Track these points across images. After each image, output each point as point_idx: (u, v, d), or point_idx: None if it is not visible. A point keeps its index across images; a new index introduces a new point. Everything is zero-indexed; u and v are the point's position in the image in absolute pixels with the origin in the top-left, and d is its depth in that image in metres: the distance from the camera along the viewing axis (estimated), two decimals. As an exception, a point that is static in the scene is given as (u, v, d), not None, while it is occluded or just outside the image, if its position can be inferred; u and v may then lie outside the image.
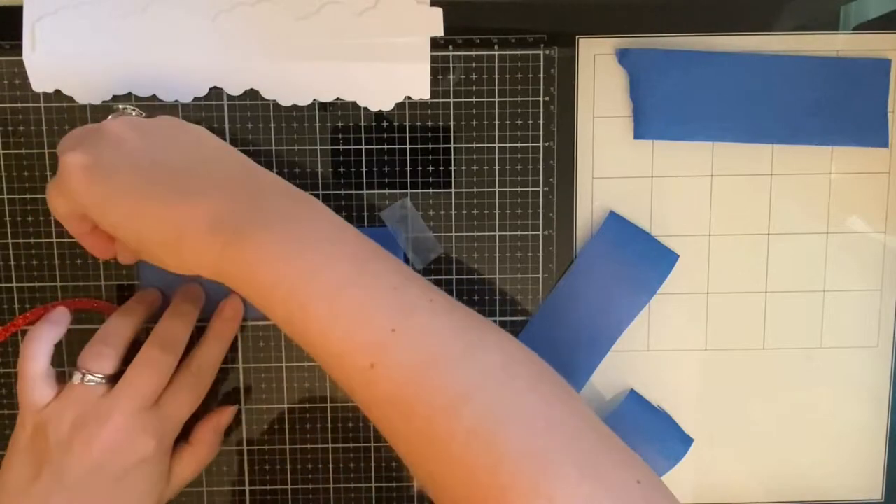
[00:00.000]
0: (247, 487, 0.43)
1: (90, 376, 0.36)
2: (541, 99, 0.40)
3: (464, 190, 0.41)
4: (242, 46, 0.39)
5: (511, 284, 0.42)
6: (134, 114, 0.36)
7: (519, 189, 0.41)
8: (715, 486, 0.43)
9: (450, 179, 0.41)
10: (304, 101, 0.40)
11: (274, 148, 0.40)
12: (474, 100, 0.40)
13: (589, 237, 0.42)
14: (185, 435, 0.39)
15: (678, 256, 0.41)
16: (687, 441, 0.42)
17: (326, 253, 0.30)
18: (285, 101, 0.40)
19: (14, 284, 0.41)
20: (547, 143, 0.41)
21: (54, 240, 0.41)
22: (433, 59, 0.39)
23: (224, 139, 0.39)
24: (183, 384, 0.37)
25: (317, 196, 0.40)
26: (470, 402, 0.28)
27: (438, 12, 0.39)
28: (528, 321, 0.42)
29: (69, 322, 0.39)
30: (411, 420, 0.28)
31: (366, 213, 0.41)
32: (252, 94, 0.40)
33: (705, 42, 0.40)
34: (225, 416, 0.41)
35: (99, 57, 0.39)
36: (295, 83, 0.40)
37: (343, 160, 0.41)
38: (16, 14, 0.38)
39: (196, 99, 0.40)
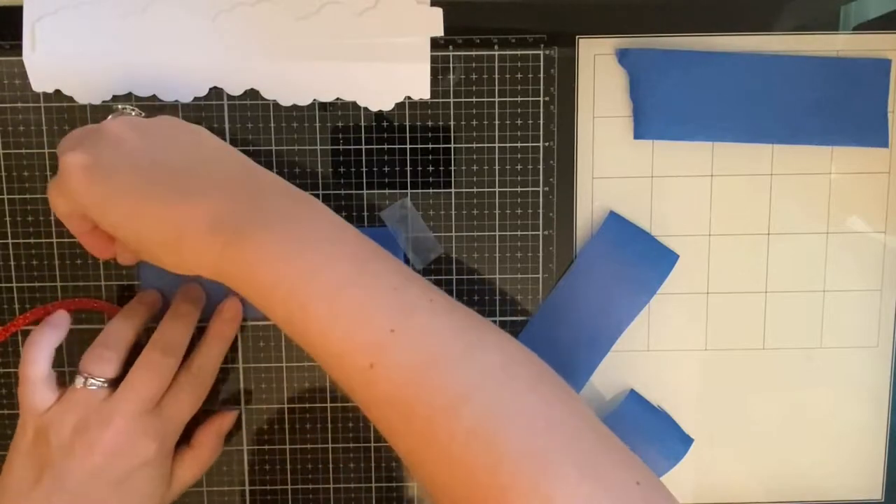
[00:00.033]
0: (247, 487, 0.43)
1: (92, 380, 0.36)
2: (541, 99, 0.40)
3: (464, 190, 0.41)
4: (242, 46, 0.39)
5: (511, 284, 0.42)
6: (133, 114, 0.36)
7: (519, 189, 0.41)
8: (715, 486, 0.43)
9: (450, 179, 0.41)
10: (304, 101, 0.40)
11: (274, 148, 0.40)
12: (474, 100, 0.40)
13: (589, 237, 0.42)
14: (186, 438, 0.39)
15: (678, 256, 0.41)
16: (687, 441, 0.42)
17: (326, 253, 0.30)
18: (285, 101, 0.40)
19: (14, 284, 0.41)
20: (547, 143, 0.41)
21: (54, 240, 0.41)
22: (433, 59, 0.39)
23: (224, 139, 0.39)
24: (184, 386, 0.37)
25: (317, 196, 0.40)
26: (469, 402, 0.28)
27: (438, 12, 0.39)
28: (528, 321, 0.42)
29: (69, 325, 0.39)
30: (411, 420, 0.28)
31: (366, 213, 0.41)
32: (252, 94, 0.40)
33: (705, 42, 0.40)
34: (227, 420, 0.41)
35: (99, 57, 0.39)
36: (295, 83, 0.40)
37: (343, 160, 0.41)
38: (16, 14, 0.38)
39: (196, 99, 0.40)
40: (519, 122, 0.41)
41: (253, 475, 0.43)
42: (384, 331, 0.29)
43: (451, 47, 0.40)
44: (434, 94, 0.40)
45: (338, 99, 0.40)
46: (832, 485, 0.44)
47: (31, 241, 0.41)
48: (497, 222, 0.41)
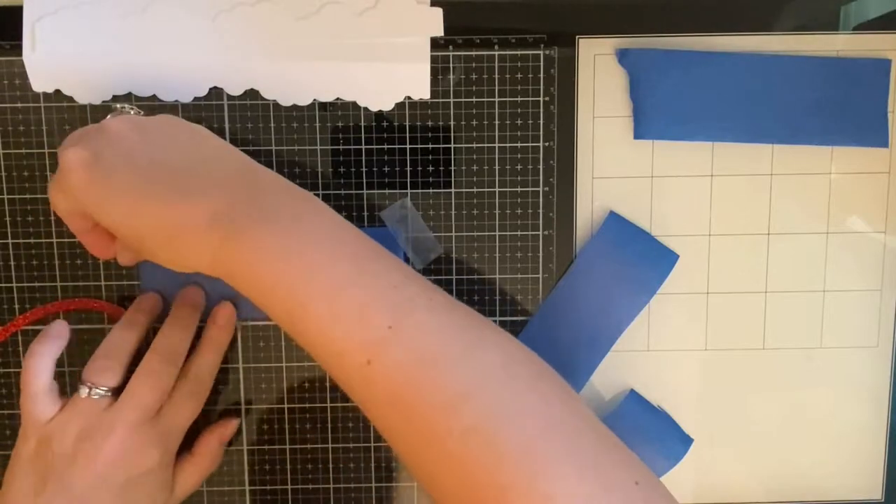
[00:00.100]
0: (247, 487, 0.43)
1: (96, 390, 0.36)
2: (541, 99, 0.40)
3: (464, 190, 0.41)
4: (242, 46, 0.39)
5: (511, 284, 0.42)
6: (133, 113, 0.36)
7: (519, 189, 0.41)
8: (715, 486, 0.43)
9: (450, 179, 0.41)
10: (304, 101, 0.40)
11: (274, 148, 0.40)
12: (474, 100, 0.40)
13: (589, 237, 0.42)
14: (187, 445, 0.39)
15: (678, 256, 0.41)
16: (687, 441, 0.42)
17: (326, 251, 0.30)
18: (285, 101, 0.40)
19: (14, 284, 0.41)
20: (547, 143, 0.41)
21: (54, 240, 0.41)
22: (433, 59, 0.39)
23: (224, 139, 0.39)
24: (182, 393, 0.37)
25: (317, 196, 0.40)
26: (469, 400, 0.28)
27: (438, 12, 0.39)
28: (528, 321, 0.42)
29: (69, 335, 0.39)
30: (410, 418, 0.28)
31: (366, 213, 0.41)
32: (252, 94, 0.40)
33: (705, 42, 0.40)
34: (228, 428, 0.41)
35: (99, 57, 0.39)
36: (295, 83, 0.40)
37: (343, 160, 0.41)
38: (16, 14, 0.38)
39: (196, 99, 0.40)
40: (519, 122, 0.41)
41: (253, 475, 0.43)
42: (382, 328, 0.29)
43: (451, 47, 0.40)
44: (434, 94, 0.40)
45: (338, 99, 0.40)
46: (832, 485, 0.44)
47: (31, 241, 0.41)
48: (497, 222, 0.41)
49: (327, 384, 0.42)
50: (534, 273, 0.42)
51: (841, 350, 0.43)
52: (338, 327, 0.29)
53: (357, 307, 0.29)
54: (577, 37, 0.40)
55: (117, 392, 0.36)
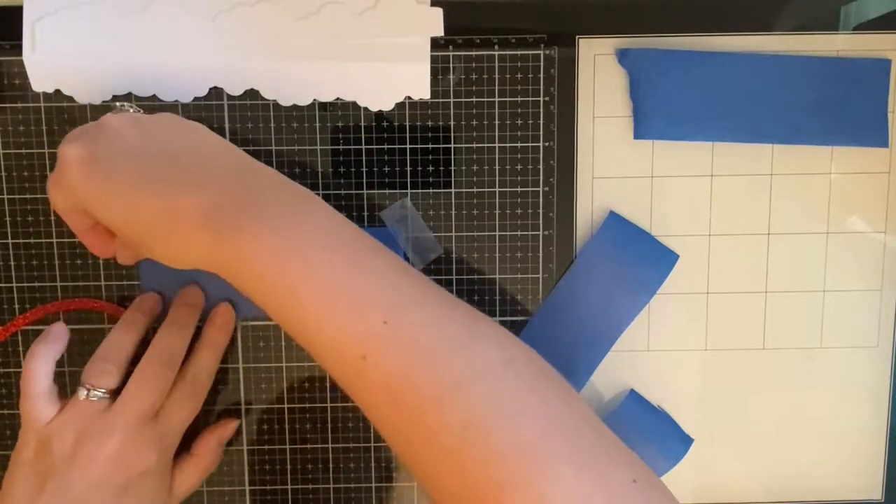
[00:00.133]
0: (247, 487, 0.43)
1: (95, 392, 0.36)
2: (541, 99, 0.40)
3: (464, 190, 0.41)
4: (242, 46, 0.39)
5: (511, 284, 0.42)
6: (133, 111, 0.36)
7: (519, 189, 0.41)
8: (715, 486, 0.43)
9: (450, 179, 0.41)
10: (304, 101, 0.40)
11: (274, 148, 0.40)
12: (474, 100, 0.40)
13: (589, 237, 0.42)
14: (187, 446, 0.39)
15: (678, 256, 0.41)
16: (687, 441, 0.42)
17: (322, 246, 0.30)
18: (285, 101, 0.40)
19: (14, 284, 0.41)
20: (547, 143, 0.41)
21: (54, 240, 0.41)
22: (433, 59, 0.39)
23: (226, 140, 0.39)
24: (181, 395, 0.38)
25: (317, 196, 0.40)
26: (462, 391, 0.27)
27: (438, 12, 0.39)
28: (528, 321, 0.42)
29: (69, 337, 0.39)
30: (404, 412, 0.28)
31: (366, 213, 0.41)
32: (252, 94, 0.40)
33: (705, 42, 0.40)
34: (228, 429, 0.41)
35: (99, 57, 0.39)
36: (295, 83, 0.40)
37: (343, 160, 0.41)
38: (16, 14, 0.38)
39: (196, 99, 0.40)
40: (519, 122, 0.41)
41: (253, 475, 0.43)
42: (377, 323, 0.29)
43: (451, 47, 0.40)
44: (434, 94, 0.40)
45: (338, 99, 0.40)
46: (832, 485, 0.44)
47: (31, 241, 0.41)
48: (497, 222, 0.41)
49: (327, 384, 0.42)
50: (534, 273, 0.42)
51: (841, 350, 0.43)
52: (333, 322, 0.29)
53: (352, 302, 0.29)
54: (577, 37, 0.40)
55: (116, 393, 0.36)
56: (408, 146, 0.41)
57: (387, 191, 0.41)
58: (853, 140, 0.41)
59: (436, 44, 0.40)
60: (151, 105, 0.40)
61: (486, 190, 0.41)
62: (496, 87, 0.40)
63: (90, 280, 0.41)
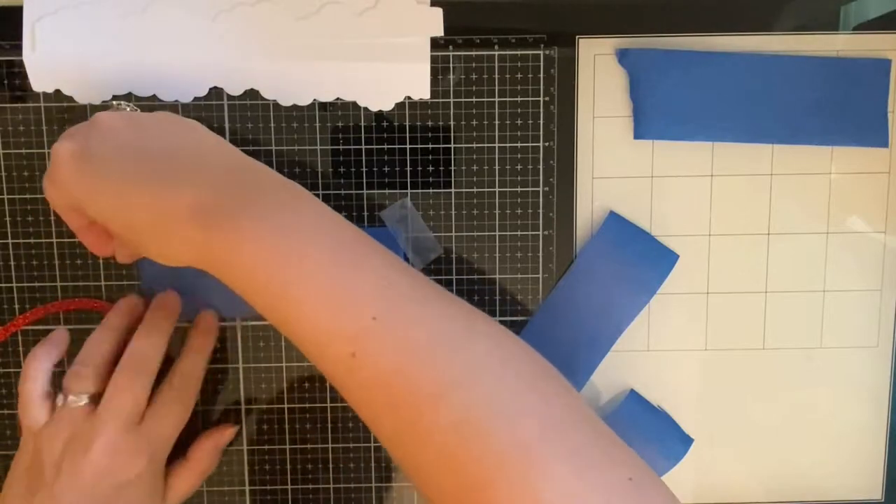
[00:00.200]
0: (247, 487, 0.43)
1: (72, 397, 0.36)
2: (541, 99, 0.40)
3: (464, 190, 0.41)
4: (242, 46, 0.39)
5: (511, 284, 0.42)
6: (129, 109, 0.36)
7: (519, 189, 0.41)
8: (715, 486, 0.43)
9: (450, 179, 0.41)
10: (304, 101, 0.40)
11: (274, 148, 0.40)
12: (474, 100, 0.40)
13: (589, 237, 0.42)
14: (183, 450, 0.39)
15: (678, 256, 0.41)
16: (687, 441, 0.42)
17: (321, 246, 0.30)
18: (285, 101, 0.40)
19: (14, 284, 0.41)
20: (547, 143, 0.41)
21: (54, 240, 0.41)
22: (433, 59, 0.39)
23: (224, 139, 0.39)
24: (166, 401, 0.37)
25: (317, 196, 0.40)
26: (463, 391, 0.27)
27: (438, 12, 0.39)
28: (528, 321, 0.42)
29: (69, 342, 0.39)
30: (396, 411, 0.28)
31: (366, 213, 0.41)
32: (252, 94, 0.40)
33: (705, 42, 0.40)
34: (226, 435, 0.41)
35: (99, 57, 0.39)
36: (295, 83, 0.40)
37: (343, 160, 0.41)
38: (16, 14, 0.38)
39: (196, 99, 0.40)
40: (519, 122, 0.41)
41: (253, 475, 0.43)
42: (366, 319, 0.28)
43: (451, 47, 0.40)
44: (434, 94, 0.40)
45: (338, 99, 0.40)
46: (832, 485, 0.44)
47: (31, 241, 0.41)
48: (497, 222, 0.41)
49: (327, 384, 0.42)
50: (534, 273, 0.42)
51: (841, 350, 0.43)
52: (321, 318, 0.29)
53: (343, 299, 0.29)
54: (577, 37, 0.40)
55: (98, 398, 0.36)
56: (408, 146, 0.41)
57: (387, 191, 0.41)
58: (853, 140, 0.41)
59: (436, 44, 0.40)
60: (151, 105, 0.40)
61: (486, 190, 0.41)
62: (496, 87, 0.40)
63: (90, 280, 0.41)
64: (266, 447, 0.42)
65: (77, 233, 0.35)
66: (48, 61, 0.39)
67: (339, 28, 0.39)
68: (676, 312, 0.42)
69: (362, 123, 0.40)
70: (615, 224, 0.41)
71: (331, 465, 0.43)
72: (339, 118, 0.40)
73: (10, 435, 0.42)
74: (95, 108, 0.40)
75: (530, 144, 0.41)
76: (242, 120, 0.40)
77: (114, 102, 0.37)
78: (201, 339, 0.39)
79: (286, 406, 0.42)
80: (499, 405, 0.27)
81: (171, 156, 0.32)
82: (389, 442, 0.29)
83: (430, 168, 0.41)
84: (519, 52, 0.40)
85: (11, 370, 0.41)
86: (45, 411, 0.36)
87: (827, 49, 0.40)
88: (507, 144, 0.41)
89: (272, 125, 0.40)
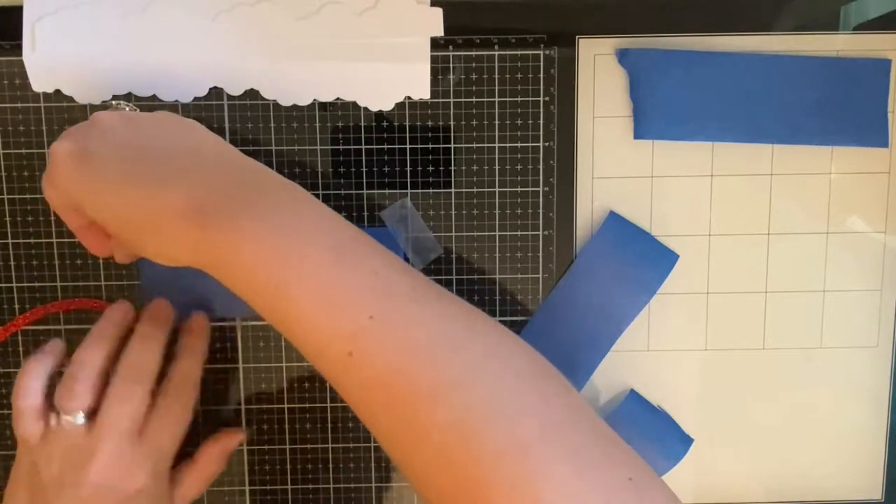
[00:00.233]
0: (247, 487, 0.43)
1: (65, 416, 0.35)
2: (541, 99, 0.40)
3: (464, 190, 0.41)
4: (242, 46, 0.39)
5: (511, 284, 0.42)
6: (128, 109, 0.36)
7: (519, 189, 0.41)
8: (715, 486, 0.43)
9: (450, 179, 0.41)
10: (304, 101, 0.40)
11: (274, 148, 0.40)
12: (474, 100, 0.40)
13: (589, 237, 0.42)
14: (189, 454, 0.39)
15: (678, 256, 0.41)
16: (687, 441, 0.42)
17: (307, 240, 0.30)
18: (285, 101, 0.40)
19: (14, 284, 0.41)
20: (547, 143, 0.41)
21: (54, 240, 0.41)
22: (433, 59, 0.39)
23: (224, 139, 0.39)
24: (163, 410, 0.37)
25: (317, 196, 0.40)
26: (463, 391, 0.27)
27: (438, 12, 0.39)
28: (528, 321, 0.42)
29: (64, 353, 0.38)
30: (394, 410, 0.28)
31: (366, 213, 0.41)
32: (252, 94, 0.40)
33: (705, 42, 0.40)
34: (233, 440, 0.40)
35: (99, 57, 0.39)
36: (295, 83, 0.40)
37: (343, 160, 0.41)
38: (16, 14, 0.38)
39: (196, 99, 0.40)
40: (519, 122, 0.41)
41: (253, 475, 0.43)
42: (363, 318, 0.28)
43: (451, 47, 0.40)
44: (434, 94, 0.40)
45: (338, 99, 0.40)
46: (832, 485, 0.44)
47: (31, 241, 0.41)
48: (497, 222, 0.41)
49: (327, 384, 0.42)
50: (534, 273, 0.42)
51: (841, 350, 0.43)
52: (318, 318, 0.29)
53: (340, 299, 0.29)
54: (577, 37, 0.40)
55: (94, 412, 0.36)
56: (408, 146, 0.41)
57: (387, 191, 0.41)
58: (853, 140, 0.41)
59: (436, 44, 0.40)
60: (151, 105, 0.40)
61: (486, 190, 0.41)
62: (496, 87, 0.40)
63: (90, 280, 0.41)
64: (266, 447, 0.42)
65: (76, 233, 0.35)
66: (48, 61, 0.39)
67: (339, 28, 0.39)
68: (676, 312, 0.42)
69: (362, 123, 0.40)
70: (615, 224, 0.41)
71: (331, 465, 0.43)
72: (339, 118, 0.40)
73: (10, 435, 0.42)
74: (95, 108, 0.40)
75: (530, 144, 0.41)
76: (242, 120, 0.40)
77: (113, 102, 0.37)
78: (193, 342, 0.39)
79: (286, 406, 0.42)
80: (498, 405, 0.27)
81: (171, 156, 0.32)
82: (387, 442, 0.29)
83: (430, 168, 0.41)
84: (519, 52, 0.40)
85: (11, 370, 0.41)
86: (40, 426, 0.35)
87: (827, 49, 0.40)
88: (507, 144, 0.41)
89: (272, 125, 0.40)
